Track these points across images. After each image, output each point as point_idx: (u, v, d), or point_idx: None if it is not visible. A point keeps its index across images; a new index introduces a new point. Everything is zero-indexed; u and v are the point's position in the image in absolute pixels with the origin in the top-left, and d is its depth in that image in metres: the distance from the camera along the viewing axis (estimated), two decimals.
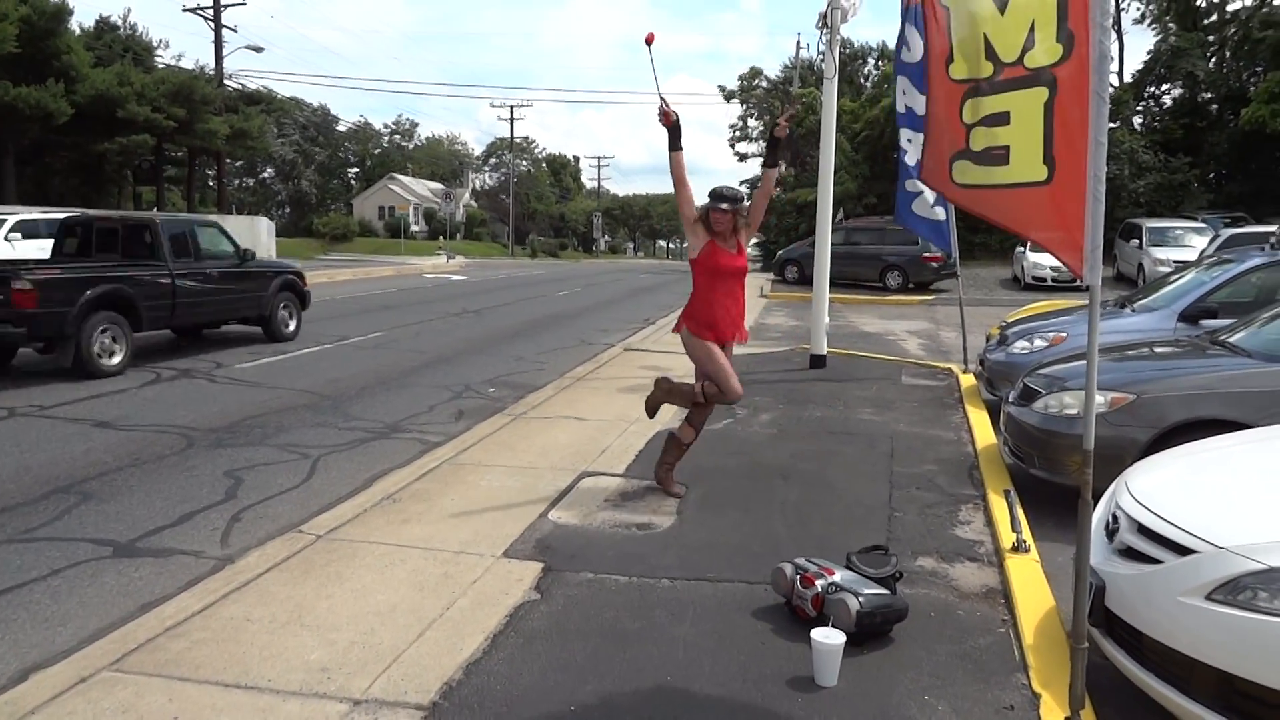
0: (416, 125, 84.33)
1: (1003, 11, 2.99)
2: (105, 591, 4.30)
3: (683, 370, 5.55)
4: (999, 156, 3.05)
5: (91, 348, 9.29)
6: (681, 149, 5.11)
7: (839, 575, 3.72)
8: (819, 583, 3.67)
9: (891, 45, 10.32)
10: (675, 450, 5.48)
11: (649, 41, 5.00)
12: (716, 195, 5.15)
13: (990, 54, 3.03)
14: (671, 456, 5.49)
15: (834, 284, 11.94)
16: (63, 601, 4.17)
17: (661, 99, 4.94)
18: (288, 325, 12.62)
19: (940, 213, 9.79)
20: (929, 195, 9.80)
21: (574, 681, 3.28)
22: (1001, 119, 3.03)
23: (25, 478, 5.94)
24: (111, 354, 9.59)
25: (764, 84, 40.98)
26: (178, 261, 10.68)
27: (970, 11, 3.08)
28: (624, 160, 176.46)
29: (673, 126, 5.00)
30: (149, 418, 7.67)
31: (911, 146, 9.78)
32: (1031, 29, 2.91)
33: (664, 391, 5.50)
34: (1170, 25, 35.84)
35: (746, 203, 5.29)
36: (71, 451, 6.57)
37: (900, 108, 9.81)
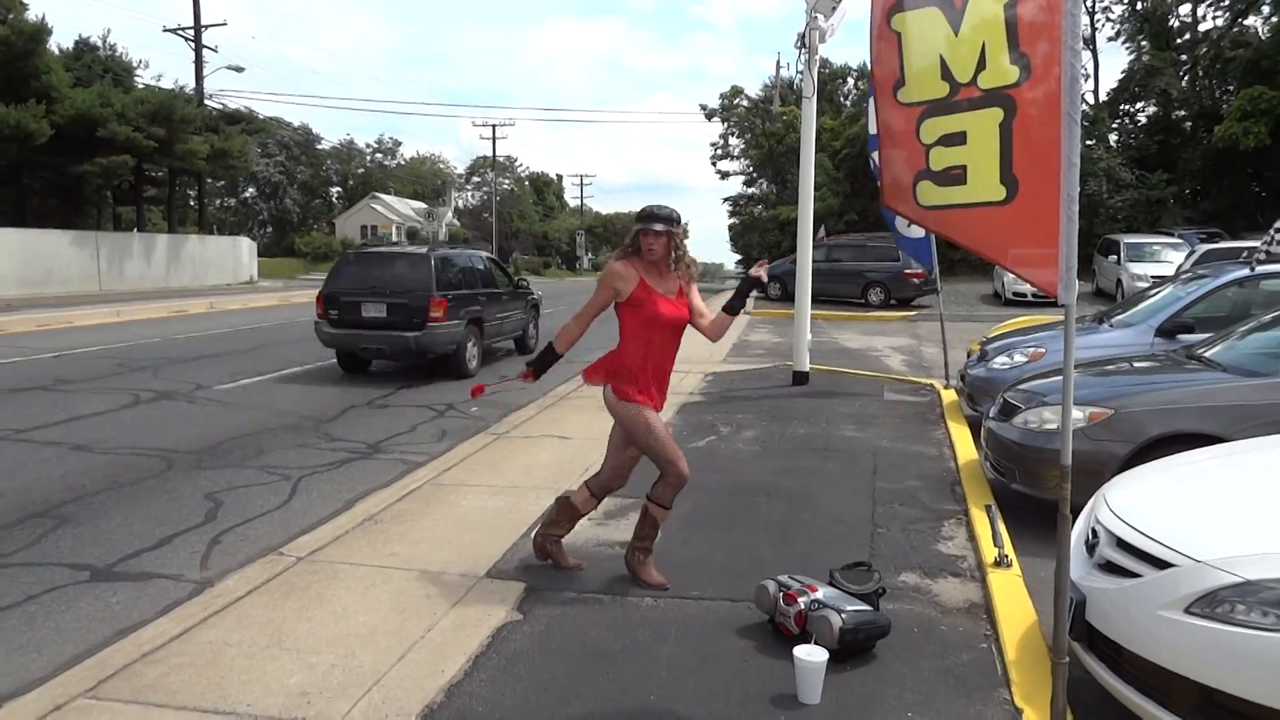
0: (399, 144, 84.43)
1: (957, 33, 3.04)
2: (82, 617, 4.24)
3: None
4: (956, 176, 3.10)
5: None
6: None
7: (822, 592, 3.72)
8: (802, 600, 3.67)
9: (869, 65, 10.34)
10: (571, 515, 4.56)
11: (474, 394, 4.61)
12: (647, 215, 4.12)
13: (946, 75, 3.08)
14: (562, 528, 4.58)
15: (816, 300, 11.98)
16: (38, 628, 4.11)
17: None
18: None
19: (918, 230, 9.86)
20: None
21: (557, 702, 3.26)
22: (958, 139, 3.08)
23: (0, 502, 5.86)
24: None
25: (745, 102, 41.28)
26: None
27: (927, 36, 3.13)
28: (606, 179, 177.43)
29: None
30: (127, 440, 7.60)
31: None
32: (983, 51, 2.96)
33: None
34: (1144, 44, 36.44)
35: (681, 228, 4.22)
36: (48, 475, 6.49)
37: (873, 128, 9.91)
